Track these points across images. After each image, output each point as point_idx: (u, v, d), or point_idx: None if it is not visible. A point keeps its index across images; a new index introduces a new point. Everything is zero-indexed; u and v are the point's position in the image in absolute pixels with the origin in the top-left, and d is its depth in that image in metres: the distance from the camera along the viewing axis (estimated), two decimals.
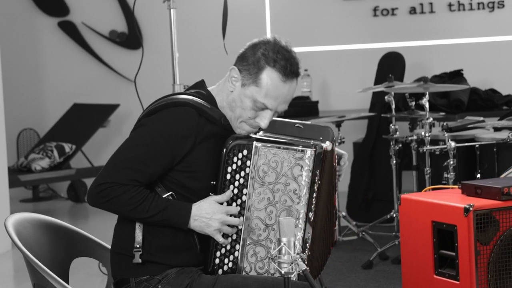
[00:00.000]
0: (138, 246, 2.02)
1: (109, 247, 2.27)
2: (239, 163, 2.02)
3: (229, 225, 2.03)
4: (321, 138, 2.06)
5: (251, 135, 2.06)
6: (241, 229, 2.04)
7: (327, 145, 2.05)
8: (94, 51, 6.44)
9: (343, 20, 6.00)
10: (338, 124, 4.38)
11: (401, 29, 5.89)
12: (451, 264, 2.66)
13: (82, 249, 2.29)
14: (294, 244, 1.78)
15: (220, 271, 2.05)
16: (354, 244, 4.36)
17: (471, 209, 2.54)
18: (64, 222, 2.31)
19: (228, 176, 2.03)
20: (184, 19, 5.61)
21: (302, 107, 5.37)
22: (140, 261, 2.02)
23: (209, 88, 2.13)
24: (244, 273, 2.05)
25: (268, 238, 2.03)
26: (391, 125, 4.25)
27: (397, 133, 4.23)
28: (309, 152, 2.01)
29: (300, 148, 2.01)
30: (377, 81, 5.07)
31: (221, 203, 2.03)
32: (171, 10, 3.66)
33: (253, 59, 2.02)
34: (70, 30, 6.45)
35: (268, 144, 2.02)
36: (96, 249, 2.31)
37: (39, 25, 6.53)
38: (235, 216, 2.04)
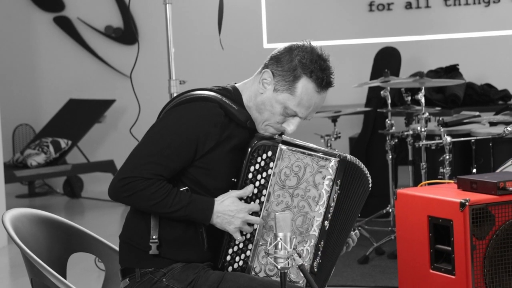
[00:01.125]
0: (154, 237, 2.00)
1: (106, 242, 2.29)
2: (263, 163, 2.01)
3: (249, 224, 2.02)
4: (346, 156, 2.05)
5: (276, 136, 2.05)
6: (256, 229, 2.02)
7: (353, 159, 2.06)
8: (90, 46, 6.43)
9: (339, 15, 5.99)
10: (334, 119, 4.37)
11: (397, 24, 5.88)
12: (447, 258, 2.66)
13: (79, 244, 2.29)
14: (291, 239, 1.77)
15: (230, 269, 2.04)
16: None
17: (467, 203, 2.54)
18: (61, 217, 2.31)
19: (250, 175, 2.01)
20: (179, 14, 5.59)
21: None
22: (157, 252, 2.00)
23: (236, 84, 2.11)
24: (253, 273, 2.03)
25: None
26: (387, 120, 4.25)
27: (393, 128, 4.23)
28: (333, 161, 2.01)
29: (324, 156, 2.01)
30: (373, 76, 5.07)
31: (242, 198, 2.02)
32: (167, 5, 3.62)
33: (289, 66, 1.99)
34: (66, 25, 6.44)
35: (294, 148, 2.01)
36: (92, 244, 2.30)
37: (35, 21, 6.51)
38: (256, 214, 2.02)
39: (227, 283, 1.99)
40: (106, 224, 4.90)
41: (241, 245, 2.03)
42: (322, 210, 2.01)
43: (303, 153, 2.01)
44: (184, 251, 2.03)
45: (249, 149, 1.99)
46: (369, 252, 3.98)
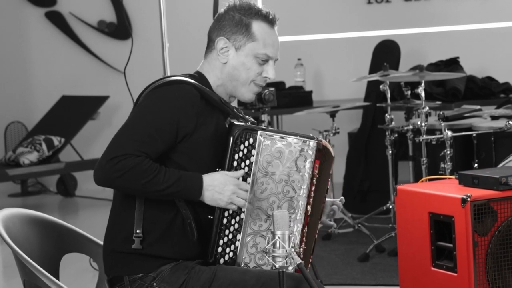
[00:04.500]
0: (138, 231, 2.00)
1: (100, 242, 2.26)
2: (245, 151, 2.05)
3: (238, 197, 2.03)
4: (319, 138, 2.12)
5: (256, 126, 2.09)
6: (243, 218, 2.04)
7: (325, 142, 2.13)
8: (83, 42, 6.41)
9: (337, 7, 5.97)
10: (333, 114, 4.37)
11: (396, 16, 5.85)
12: (449, 256, 2.64)
13: (72, 244, 2.28)
14: (289, 237, 1.77)
15: (221, 261, 2.05)
16: (349, 236, 4.35)
17: (468, 199, 2.52)
18: (53, 217, 2.30)
19: (235, 164, 2.05)
20: (174, 8, 5.54)
21: (296, 97, 5.34)
22: (140, 247, 1.99)
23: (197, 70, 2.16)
24: (243, 264, 2.04)
25: (269, 229, 2.03)
26: (386, 114, 4.24)
27: (393, 122, 4.22)
28: (312, 143, 2.05)
29: (303, 139, 2.05)
30: (372, 70, 5.05)
31: None
32: None
33: (235, 22, 2.08)
34: (58, 20, 6.41)
35: (273, 135, 2.05)
36: (86, 245, 2.29)
37: (26, 16, 6.48)
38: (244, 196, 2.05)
39: (220, 280, 1.99)
40: (100, 223, 4.85)
41: (230, 236, 2.05)
42: (306, 193, 2.04)
43: (282, 138, 2.05)
44: (173, 245, 2.03)
45: (231, 138, 2.04)
46: (369, 249, 3.96)
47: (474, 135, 3.87)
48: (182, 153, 2.02)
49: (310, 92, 5.46)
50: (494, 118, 4.03)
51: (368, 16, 5.89)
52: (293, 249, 1.76)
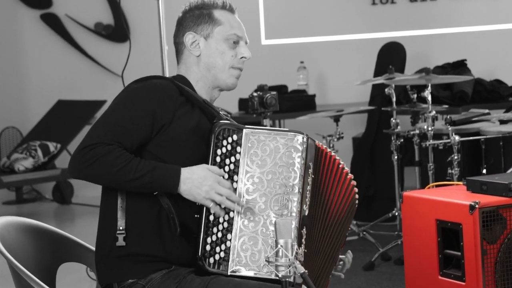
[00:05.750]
0: (121, 228, 1.99)
1: None
2: (229, 147, 2.02)
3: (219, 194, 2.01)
4: (311, 137, 2.09)
5: (239, 124, 2.06)
6: (233, 217, 2.00)
7: (320, 143, 2.09)
8: (79, 44, 6.42)
9: (340, 9, 5.97)
10: (337, 119, 4.33)
11: (401, 17, 5.86)
12: (457, 264, 2.63)
13: (68, 253, 2.27)
14: (292, 246, 1.73)
15: (211, 260, 2.00)
16: (354, 244, 4.31)
17: (476, 206, 2.51)
18: (49, 225, 2.29)
19: (218, 159, 2.01)
20: (173, 10, 5.45)
21: (299, 101, 5.33)
22: (124, 243, 1.98)
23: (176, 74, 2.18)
24: (237, 265, 2.00)
25: (261, 227, 1.99)
26: (392, 119, 4.22)
27: (399, 127, 4.22)
28: (300, 137, 2.02)
29: (291, 133, 2.03)
30: (377, 73, 5.03)
31: None
32: (159, 0, 3.57)
33: (196, 16, 2.13)
34: (53, 22, 6.42)
35: (259, 130, 2.03)
36: (83, 254, 2.27)
37: (21, 18, 6.49)
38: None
39: None
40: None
41: (219, 235, 2.00)
42: (298, 189, 1.99)
43: (269, 134, 2.02)
44: (160, 243, 2.00)
45: (212, 134, 2.02)
46: (374, 258, 3.93)
47: (482, 139, 3.85)
48: (161, 146, 2.00)
49: (313, 96, 5.46)
50: (503, 122, 4.02)
51: (372, 18, 5.90)
52: (296, 258, 1.72)
